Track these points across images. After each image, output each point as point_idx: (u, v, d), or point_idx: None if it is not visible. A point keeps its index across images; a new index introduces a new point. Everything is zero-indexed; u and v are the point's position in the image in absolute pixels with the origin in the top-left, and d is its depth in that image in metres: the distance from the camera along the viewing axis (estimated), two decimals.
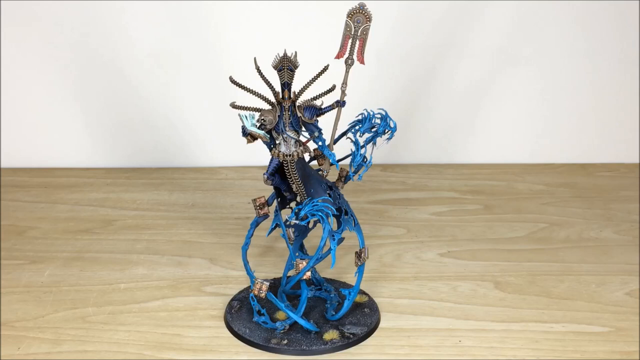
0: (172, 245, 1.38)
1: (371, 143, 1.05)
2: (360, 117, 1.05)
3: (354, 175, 1.06)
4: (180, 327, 1.12)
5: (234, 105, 0.98)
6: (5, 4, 1.63)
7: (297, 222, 1.02)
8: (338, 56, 1.01)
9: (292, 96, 0.97)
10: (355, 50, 1.00)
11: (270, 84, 0.97)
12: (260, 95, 0.96)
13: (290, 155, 0.99)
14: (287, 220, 1.04)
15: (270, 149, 1.00)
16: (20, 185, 1.66)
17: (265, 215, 1.09)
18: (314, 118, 0.98)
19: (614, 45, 1.71)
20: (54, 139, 1.76)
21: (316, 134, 1.00)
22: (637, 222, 1.47)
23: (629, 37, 1.70)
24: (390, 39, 1.66)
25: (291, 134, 0.98)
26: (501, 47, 1.70)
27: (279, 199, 1.09)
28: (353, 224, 1.08)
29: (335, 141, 1.06)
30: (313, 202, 1.01)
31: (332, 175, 1.07)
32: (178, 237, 1.41)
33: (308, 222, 1.08)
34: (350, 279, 1.23)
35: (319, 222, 1.04)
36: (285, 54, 0.94)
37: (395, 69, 1.71)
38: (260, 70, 0.95)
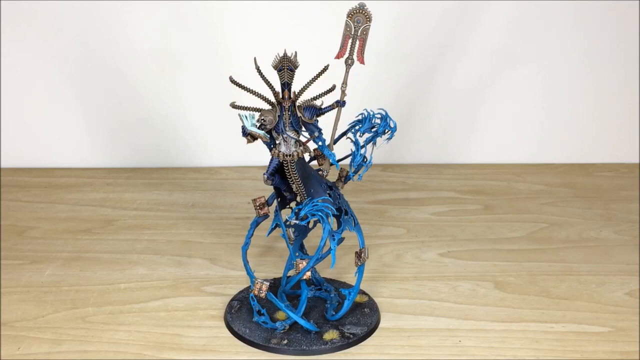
0: (172, 245, 1.38)
1: (371, 143, 1.05)
2: (360, 117, 1.05)
3: (354, 175, 1.06)
4: (180, 327, 1.12)
5: (234, 105, 0.97)
6: (5, 4, 1.63)
7: (297, 222, 1.01)
8: (338, 56, 1.01)
9: (292, 96, 0.97)
10: (355, 50, 1.00)
11: (270, 84, 0.97)
12: (260, 95, 0.96)
13: (290, 155, 0.99)
14: (287, 220, 1.04)
15: (270, 149, 1.00)
16: (20, 185, 1.66)
17: (265, 215, 1.09)
18: (314, 118, 0.98)
19: (614, 45, 1.71)
20: (54, 139, 1.76)
21: (316, 134, 1.00)
22: (637, 222, 1.47)
23: (629, 37, 1.70)
24: (390, 39, 1.66)
25: (291, 134, 0.98)
26: (501, 47, 1.70)
27: (279, 199, 1.09)
28: (353, 224, 1.08)
29: (335, 141, 1.06)
30: (313, 202, 1.01)
31: (332, 175, 1.07)
32: (178, 237, 1.41)
33: (308, 222, 1.08)
34: (350, 279, 1.23)
35: (319, 222, 1.04)
36: (285, 54, 0.94)
37: (395, 69, 1.71)
38: (260, 70, 0.95)
